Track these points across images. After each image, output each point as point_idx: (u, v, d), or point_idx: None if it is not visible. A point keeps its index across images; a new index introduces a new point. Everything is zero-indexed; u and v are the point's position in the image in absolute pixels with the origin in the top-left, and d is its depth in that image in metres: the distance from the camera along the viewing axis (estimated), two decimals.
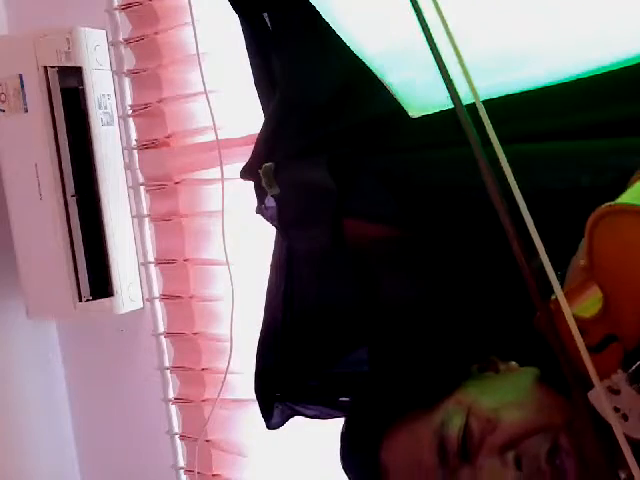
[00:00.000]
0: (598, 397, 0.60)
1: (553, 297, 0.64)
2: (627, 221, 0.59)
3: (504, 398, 0.82)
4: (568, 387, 0.60)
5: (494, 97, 0.79)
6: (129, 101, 1.66)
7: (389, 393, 0.88)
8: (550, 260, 0.64)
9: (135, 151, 1.67)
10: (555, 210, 0.87)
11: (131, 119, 1.66)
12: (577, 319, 0.63)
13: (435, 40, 0.54)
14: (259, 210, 1.08)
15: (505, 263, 0.85)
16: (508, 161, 0.67)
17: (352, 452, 0.89)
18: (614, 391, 0.61)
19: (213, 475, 1.67)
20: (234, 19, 1.07)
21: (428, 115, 0.82)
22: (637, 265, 0.60)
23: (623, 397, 0.60)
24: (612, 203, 0.61)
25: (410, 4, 0.54)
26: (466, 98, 0.71)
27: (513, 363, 0.87)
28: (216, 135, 1.50)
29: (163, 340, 1.72)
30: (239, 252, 1.53)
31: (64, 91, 1.59)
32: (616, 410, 0.60)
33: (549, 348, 0.71)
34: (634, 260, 0.60)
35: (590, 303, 0.65)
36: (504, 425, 0.78)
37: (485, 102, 0.77)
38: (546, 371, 0.83)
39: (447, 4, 0.72)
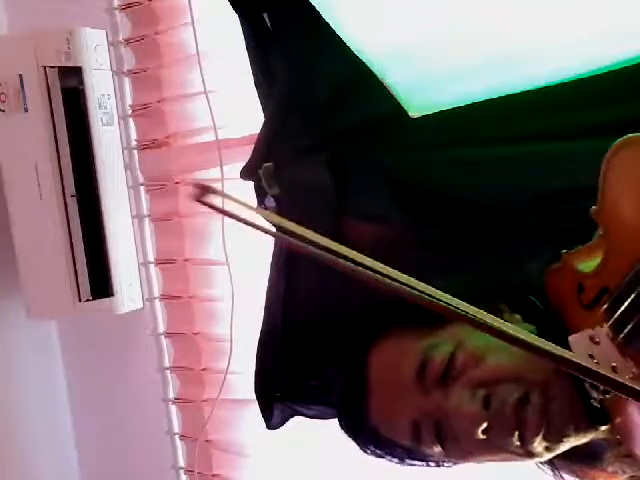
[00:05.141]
0: (576, 341, 0.66)
1: (563, 252, 0.72)
2: None
3: (495, 341, 0.84)
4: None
5: (494, 97, 0.79)
6: (129, 101, 1.66)
7: (391, 304, 0.89)
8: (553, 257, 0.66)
9: (135, 151, 1.67)
10: (555, 210, 0.87)
11: (131, 119, 1.66)
12: (580, 275, 0.70)
13: None
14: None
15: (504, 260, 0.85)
16: (508, 161, 0.68)
17: (347, 346, 0.92)
18: (595, 342, 0.65)
19: (213, 475, 1.67)
20: (234, 19, 1.07)
21: (428, 115, 0.82)
22: None
23: (601, 348, 0.65)
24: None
25: None
26: (472, 97, 0.71)
27: (518, 316, 0.88)
28: (216, 135, 1.50)
29: (163, 340, 1.72)
30: (239, 252, 1.53)
31: (64, 91, 1.59)
32: (590, 357, 0.65)
33: (547, 311, 0.74)
34: None
35: (594, 262, 0.69)
36: (486, 364, 0.81)
37: (485, 102, 0.77)
38: (541, 332, 0.84)
39: (449, 4, 0.72)
